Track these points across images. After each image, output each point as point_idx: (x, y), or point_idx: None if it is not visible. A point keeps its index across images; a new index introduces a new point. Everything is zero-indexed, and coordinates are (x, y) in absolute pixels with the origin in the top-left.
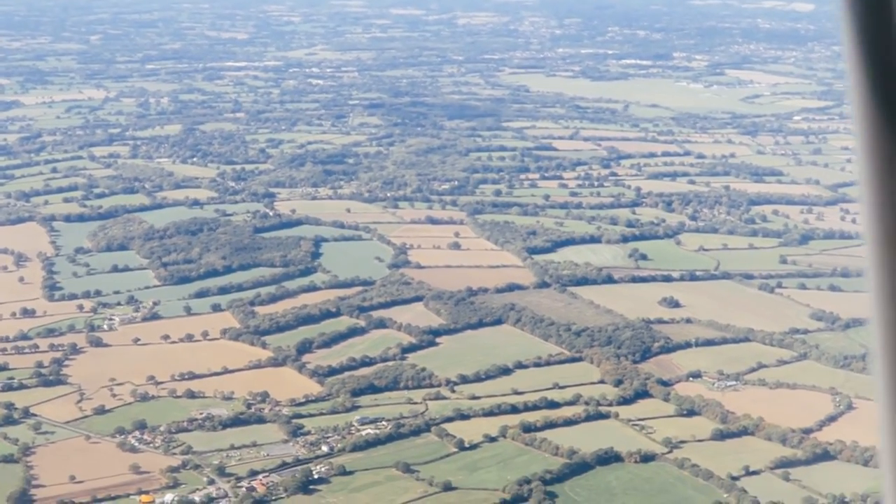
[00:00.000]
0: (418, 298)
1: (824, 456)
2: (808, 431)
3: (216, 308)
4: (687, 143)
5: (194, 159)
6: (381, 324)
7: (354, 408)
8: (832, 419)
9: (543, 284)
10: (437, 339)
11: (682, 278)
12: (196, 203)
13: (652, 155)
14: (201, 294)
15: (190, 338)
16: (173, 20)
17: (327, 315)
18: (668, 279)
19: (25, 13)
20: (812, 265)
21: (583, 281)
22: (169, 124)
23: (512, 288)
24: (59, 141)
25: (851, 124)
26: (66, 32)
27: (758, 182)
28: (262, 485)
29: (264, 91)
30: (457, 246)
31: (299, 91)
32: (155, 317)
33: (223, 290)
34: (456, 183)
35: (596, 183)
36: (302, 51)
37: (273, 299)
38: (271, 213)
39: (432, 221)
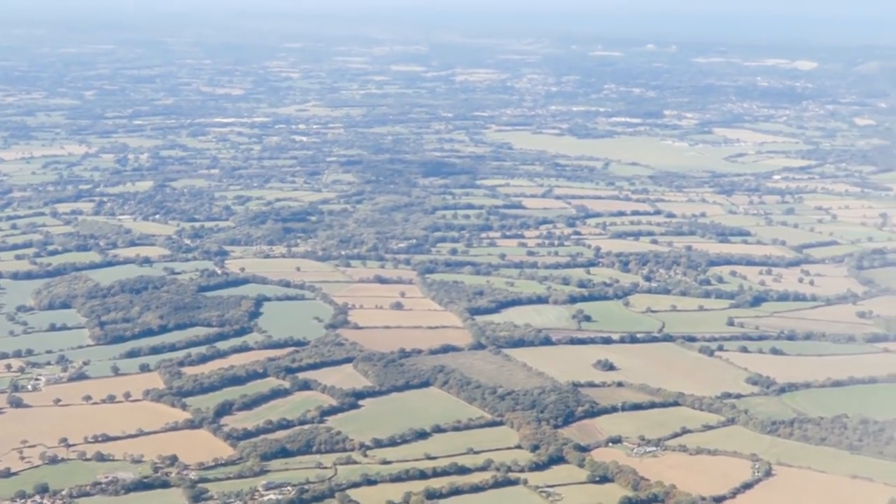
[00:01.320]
0: (349, 360)
1: None
2: (719, 499)
3: (144, 368)
4: (660, 202)
5: (157, 216)
6: (306, 385)
7: (263, 472)
8: (747, 486)
9: (479, 346)
10: (361, 402)
11: (622, 340)
12: (147, 261)
13: (621, 213)
14: (133, 354)
15: (112, 399)
16: (172, 76)
17: (254, 376)
18: (607, 341)
19: (26, 68)
20: (759, 328)
21: (519, 343)
22: (141, 181)
23: (447, 349)
24: (27, 197)
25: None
26: (63, 88)
27: (722, 242)
28: None
29: (246, 147)
30: (399, 306)
31: (281, 147)
32: (82, 377)
33: (155, 350)
34: (414, 241)
35: (556, 242)
36: (294, 107)
37: (203, 360)
38: (219, 272)
39: (381, 281)
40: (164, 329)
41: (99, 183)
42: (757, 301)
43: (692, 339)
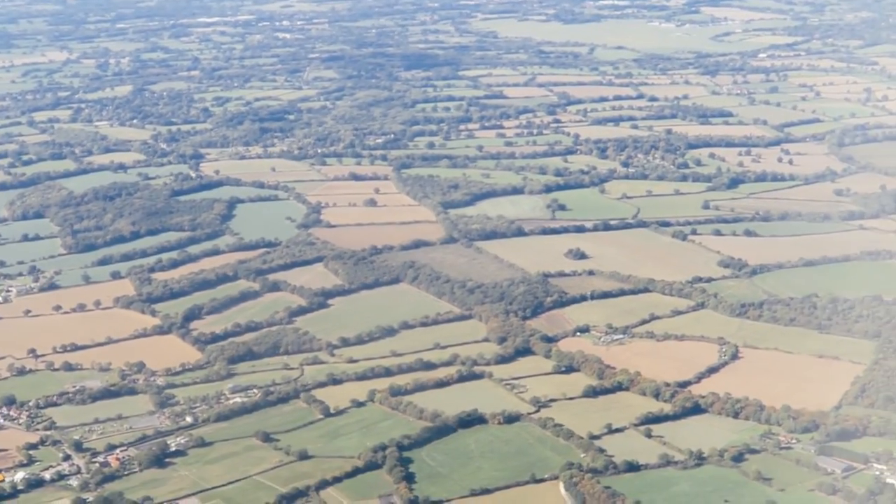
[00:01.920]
0: (320, 259)
1: (694, 410)
2: (684, 385)
3: (116, 276)
4: (643, 86)
5: (134, 121)
6: (276, 287)
7: (230, 375)
8: (713, 370)
9: (451, 240)
10: (330, 301)
11: (595, 228)
12: (121, 167)
13: (603, 99)
14: (105, 262)
15: (82, 308)
16: None
17: (224, 279)
18: (580, 230)
19: None
20: (734, 210)
21: (491, 235)
22: (121, 85)
23: (418, 245)
24: (4, 107)
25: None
26: None
27: (703, 124)
28: (117, 459)
29: (228, 47)
30: (373, 203)
31: (263, 46)
32: (53, 287)
33: (126, 257)
34: (391, 136)
35: (535, 131)
36: (279, 3)
37: (174, 265)
38: (193, 176)
39: (355, 178)
40: (136, 235)
41: (78, 90)
42: (734, 183)
43: (666, 224)
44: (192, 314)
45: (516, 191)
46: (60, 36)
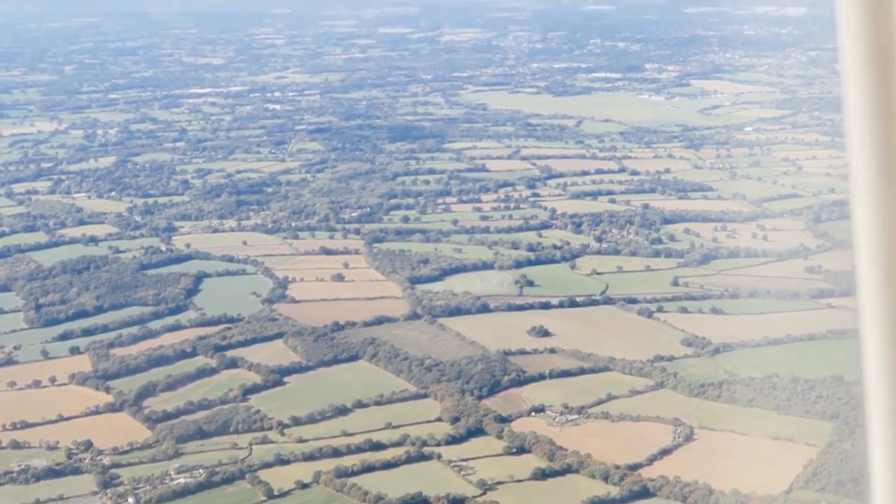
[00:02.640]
0: (280, 335)
1: (642, 493)
2: (635, 467)
3: (75, 351)
4: (626, 160)
5: (112, 193)
6: (233, 363)
7: (178, 455)
8: (666, 452)
9: (414, 316)
10: (286, 379)
11: (561, 305)
12: (93, 240)
13: (584, 173)
14: (65, 336)
15: (37, 384)
16: (155, 47)
17: (182, 355)
18: (546, 306)
19: (9, 45)
20: (703, 287)
21: (456, 311)
22: (105, 156)
23: (381, 321)
24: None
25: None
26: (43, 63)
27: (682, 199)
28: None
29: (217, 118)
30: (340, 278)
31: (252, 117)
32: (10, 362)
33: (87, 332)
34: (368, 210)
35: (513, 205)
36: (273, 74)
37: (134, 340)
38: (164, 249)
39: (326, 252)
40: (99, 310)
41: (62, 160)
42: (706, 259)
43: (633, 301)
44: (147, 391)
45: (486, 266)
46: (52, 106)
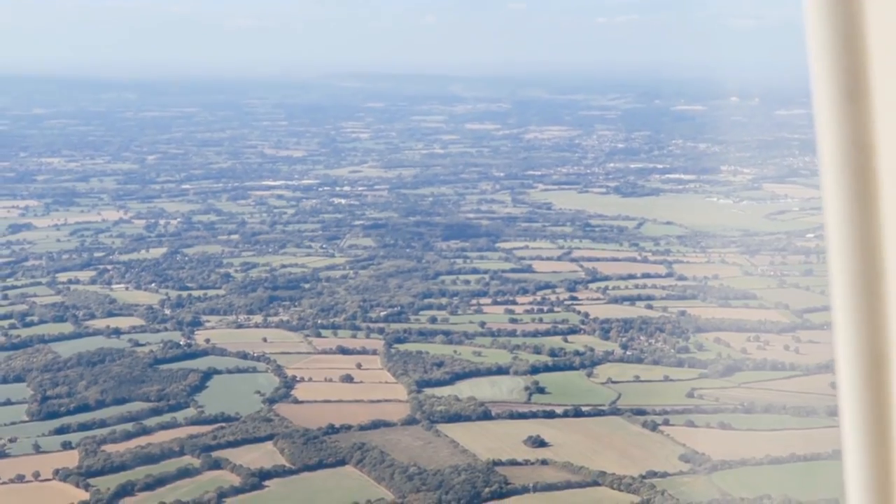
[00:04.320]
0: (272, 437)
1: None
2: None
3: (66, 446)
4: (677, 264)
5: (151, 285)
6: (217, 465)
7: None
8: None
9: (412, 421)
10: (266, 483)
11: (565, 414)
12: (116, 332)
13: (630, 276)
14: (61, 431)
15: (20, 479)
16: (242, 138)
17: (169, 454)
18: (550, 415)
19: (101, 133)
20: (718, 400)
21: (455, 417)
22: (158, 247)
23: (377, 425)
24: (36, 266)
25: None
26: (128, 152)
27: (723, 307)
28: None
29: (280, 211)
30: (349, 378)
31: (314, 211)
32: (2, 455)
33: (84, 427)
34: (398, 309)
35: (546, 308)
36: (348, 168)
37: (127, 437)
38: (182, 343)
39: (343, 351)
40: (101, 404)
41: (115, 250)
42: (729, 371)
43: (641, 413)
44: (125, 490)
45: (501, 371)
46: (124, 195)
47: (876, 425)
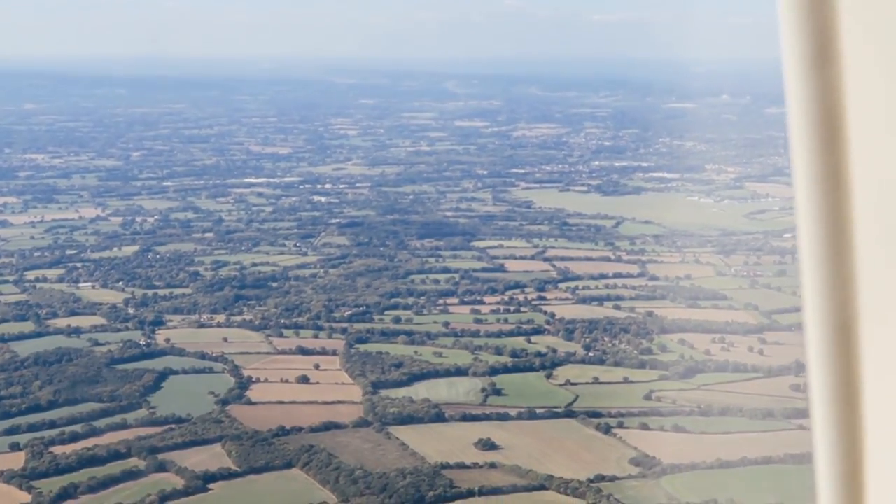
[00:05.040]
0: (220, 439)
1: None
2: None
3: (14, 447)
4: (651, 264)
5: (119, 283)
6: (163, 467)
7: None
8: None
9: (364, 423)
10: (210, 486)
11: (519, 417)
12: (76, 332)
13: (602, 276)
14: (11, 431)
15: None
16: (230, 134)
17: (116, 456)
18: (504, 417)
19: (89, 129)
20: (675, 402)
21: (408, 420)
22: (131, 245)
23: (329, 427)
24: (6, 264)
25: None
26: (114, 149)
27: (691, 307)
28: None
29: (258, 209)
30: (306, 380)
31: (292, 209)
32: None
33: (33, 428)
34: (363, 309)
35: (513, 308)
36: (332, 165)
37: (75, 438)
38: (142, 343)
39: (303, 352)
40: (53, 405)
41: (86, 248)
42: (689, 373)
43: (596, 415)
44: (67, 493)
45: (460, 372)
46: (104, 192)
47: (846, 424)
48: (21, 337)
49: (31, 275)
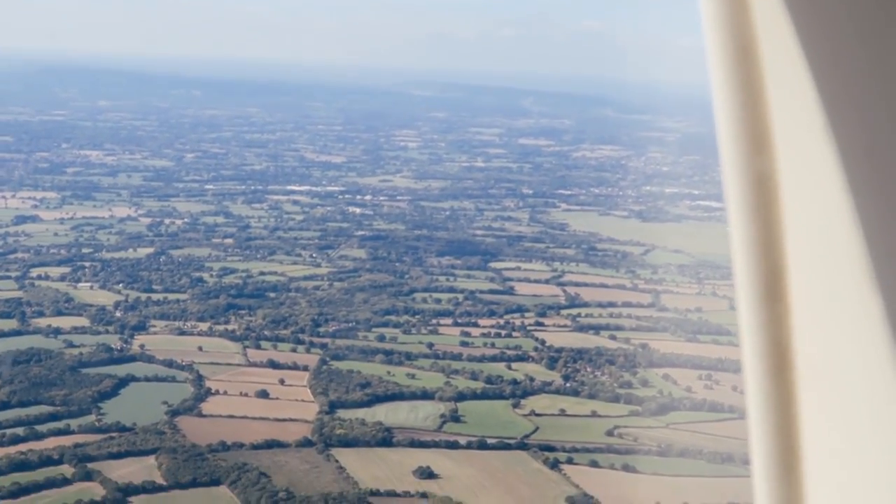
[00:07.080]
0: (157, 450)
1: None
2: None
3: None
4: (666, 294)
5: (118, 286)
6: (89, 476)
7: None
8: None
9: (307, 443)
10: (131, 499)
11: (468, 446)
12: (55, 332)
13: (610, 304)
14: None
15: None
16: (289, 140)
17: (47, 462)
18: (453, 446)
19: (153, 128)
20: (637, 440)
21: (353, 442)
22: (147, 247)
23: (271, 445)
24: (20, 259)
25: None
26: (169, 149)
27: (689, 341)
28: None
29: (289, 217)
30: (265, 394)
31: (323, 219)
32: None
33: None
34: (352, 325)
35: (505, 333)
36: (380, 177)
37: (15, 441)
38: (116, 348)
39: (273, 365)
40: (5, 406)
41: (102, 248)
42: (662, 410)
43: (549, 449)
44: None
45: (427, 395)
46: (143, 192)
47: (781, 430)
48: (0, 335)
49: (36, 272)
